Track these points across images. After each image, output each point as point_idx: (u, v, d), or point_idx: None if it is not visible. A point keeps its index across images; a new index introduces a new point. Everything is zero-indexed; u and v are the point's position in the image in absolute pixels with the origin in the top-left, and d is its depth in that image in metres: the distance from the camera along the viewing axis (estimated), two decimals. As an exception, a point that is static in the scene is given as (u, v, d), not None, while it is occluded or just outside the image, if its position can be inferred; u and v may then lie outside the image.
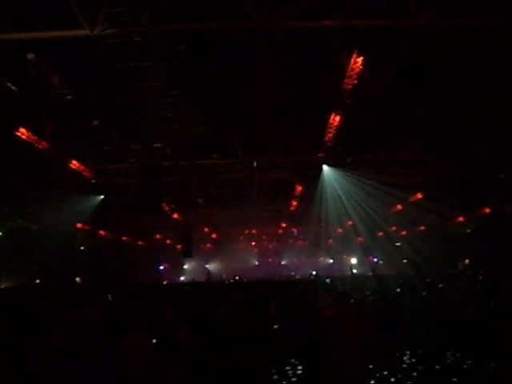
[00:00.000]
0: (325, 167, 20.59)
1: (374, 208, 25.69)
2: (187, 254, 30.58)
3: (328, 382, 5.86)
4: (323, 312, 8.68)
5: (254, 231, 39.59)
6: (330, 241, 38.65)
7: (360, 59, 11.43)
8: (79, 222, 27.13)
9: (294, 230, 38.26)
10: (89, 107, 14.65)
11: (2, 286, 26.20)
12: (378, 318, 9.66)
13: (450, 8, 9.67)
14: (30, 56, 11.11)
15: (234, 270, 40.10)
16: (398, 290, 14.22)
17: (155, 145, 17.86)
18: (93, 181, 20.20)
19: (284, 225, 34.96)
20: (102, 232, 31.70)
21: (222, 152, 19.48)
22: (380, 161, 20.40)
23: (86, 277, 32.11)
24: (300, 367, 8.97)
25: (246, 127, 16.73)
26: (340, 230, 34.24)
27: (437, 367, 9.41)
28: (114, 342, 5.98)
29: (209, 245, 41.25)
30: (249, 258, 46.13)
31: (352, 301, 6.95)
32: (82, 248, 33.42)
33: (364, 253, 36.46)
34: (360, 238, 33.45)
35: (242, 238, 42.38)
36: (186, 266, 46.21)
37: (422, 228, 33.18)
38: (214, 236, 37.95)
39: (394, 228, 32.61)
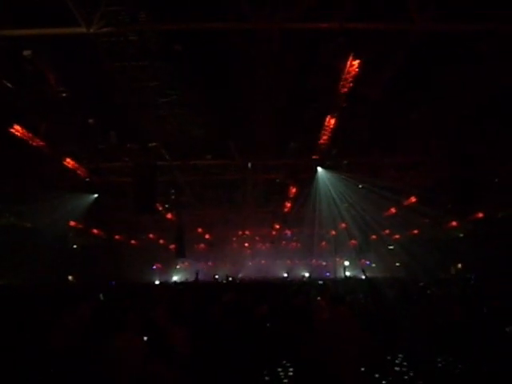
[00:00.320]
0: (319, 169, 20.62)
1: (367, 211, 25.76)
2: (180, 255, 30.51)
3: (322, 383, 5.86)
4: (317, 314, 8.68)
5: (247, 232, 39.57)
6: (324, 243, 38.75)
7: (356, 62, 11.45)
8: (72, 221, 27.07)
9: (288, 232, 38.25)
10: (84, 106, 14.61)
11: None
12: (370, 320, 9.67)
13: (447, 12, 9.70)
14: (27, 53, 11.05)
15: (227, 270, 40.05)
16: (391, 293, 14.24)
17: (150, 144, 17.82)
18: (87, 179, 20.16)
19: (277, 226, 34.95)
20: (95, 231, 31.65)
21: (216, 153, 19.46)
22: (375, 164, 20.44)
23: (78, 275, 31.99)
24: (291, 369, 8.97)
25: (241, 128, 16.72)
26: (333, 233, 34.35)
27: (428, 371, 9.45)
28: (106, 342, 5.95)
29: (202, 245, 41.19)
30: (242, 259, 46.08)
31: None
32: (74, 246, 33.33)
33: (357, 255, 36.51)
34: (353, 241, 33.51)
35: (235, 239, 42.36)
36: (178, 266, 46.13)
37: (416, 232, 33.30)
38: (207, 237, 37.93)
39: (387, 231, 32.71)
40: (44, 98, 13.85)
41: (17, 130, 14.20)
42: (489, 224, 25.71)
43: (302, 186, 22.37)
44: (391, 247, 34.44)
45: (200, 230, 35.66)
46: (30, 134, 14.78)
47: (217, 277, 37.01)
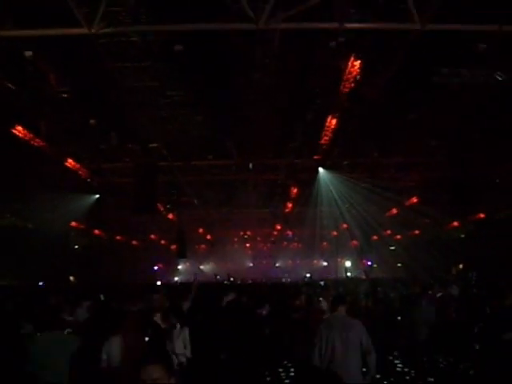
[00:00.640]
0: (321, 170, 20.61)
1: (368, 211, 25.74)
2: (181, 255, 30.52)
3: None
4: (317, 314, 8.69)
5: (248, 233, 39.58)
6: (325, 243, 38.71)
7: (357, 63, 11.45)
8: (74, 221, 27.07)
9: (289, 232, 38.26)
10: (85, 106, 14.62)
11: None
12: (371, 321, 9.67)
13: (447, 12, 9.69)
14: (28, 54, 11.06)
15: (228, 271, 40.02)
16: (392, 293, 14.24)
17: (151, 145, 17.82)
18: (88, 180, 20.17)
19: (279, 227, 34.94)
20: (96, 231, 31.65)
21: (217, 153, 19.46)
22: (376, 164, 20.42)
23: (79, 276, 31.97)
24: (292, 369, 8.98)
25: (242, 129, 16.72)
26: (335, 233, 34.34)
27: (428, 371, 9.45)
28: (105, 342, 5.95)
29: (203, 246, 41.19)
30: (243, 260, 46.08)
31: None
32: (76, 247, 33.32)
33: (358, 256, 36.50)
34: (354, 241, 33.49)
35: (236, 239, 42.36)
36: (180, 267, 46.15)
37: (417, 232, 33.28)
38: (208, 237, 37.92)
39: (388, 232, 32.68)
40: (45, 99, 13.89)
41: (18, 130, 14.23)
42: (490, 225, 25.69)
43: (303, 187, 22.37)
44: (393, 248, 34.39)
45: (201, 230, 35.65)
46: (32, 135, 14.81)
47: (218, 277, 37.00)
